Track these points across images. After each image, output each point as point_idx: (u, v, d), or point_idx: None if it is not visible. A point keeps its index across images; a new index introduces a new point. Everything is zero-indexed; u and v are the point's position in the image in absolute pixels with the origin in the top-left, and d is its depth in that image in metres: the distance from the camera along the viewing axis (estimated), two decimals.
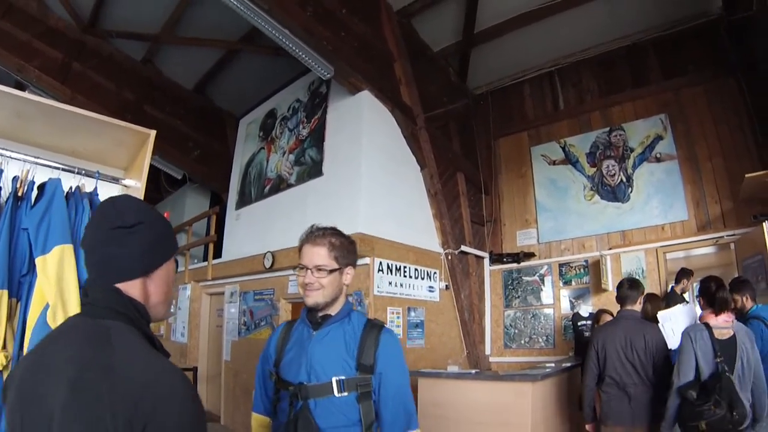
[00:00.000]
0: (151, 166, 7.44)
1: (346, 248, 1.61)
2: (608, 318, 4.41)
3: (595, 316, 4.71)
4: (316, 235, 1.60)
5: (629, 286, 3.35)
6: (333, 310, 1.58)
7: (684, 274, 4.95)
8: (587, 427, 3.32)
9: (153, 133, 2.34)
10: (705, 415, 2.59)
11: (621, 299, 3.36)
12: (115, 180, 2.34)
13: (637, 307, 3.34)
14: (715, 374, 2.63)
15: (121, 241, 0.94)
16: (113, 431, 0.75)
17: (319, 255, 1.56)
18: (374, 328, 1.57)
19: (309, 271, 1.54)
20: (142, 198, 2.21)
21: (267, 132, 6.36)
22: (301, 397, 1.46)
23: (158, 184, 8.78)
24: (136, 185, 2.34)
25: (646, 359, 3.07)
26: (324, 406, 1.45)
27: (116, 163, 2.46)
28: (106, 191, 2.21)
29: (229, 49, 6.47)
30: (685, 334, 2.80)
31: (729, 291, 2.85)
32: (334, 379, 1.46)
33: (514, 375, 3.74)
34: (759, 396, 2.61)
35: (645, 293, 3.60)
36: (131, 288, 0.95)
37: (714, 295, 2.77)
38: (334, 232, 1.63)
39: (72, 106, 1.99)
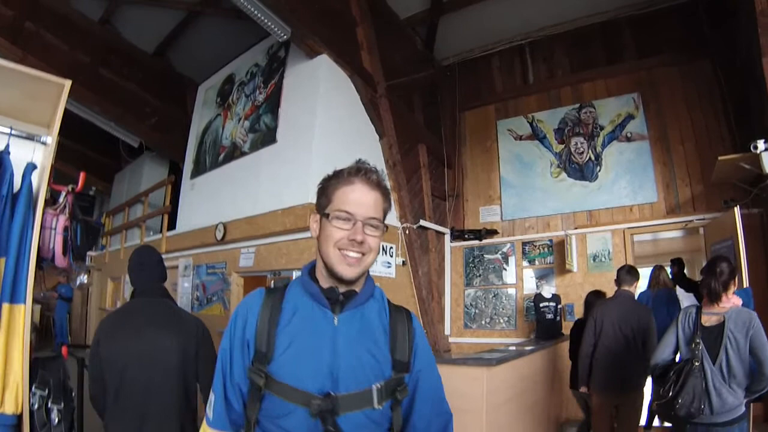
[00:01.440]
0: (109, 135, 7.05)
1: (390, 200, 1.21)
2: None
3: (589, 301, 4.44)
4: (371, 171, 1.15)
5: (627, 271, 3.77)
6: (359, 285, 1.15)
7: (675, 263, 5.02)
8: (581, 389, 3.72)
9: (68, 83, 2.12)
10: (655, 395, 2.62)
11: (619, 281, 3.76)
12: (31, 137, 2.11)
13: (633, 289, 3.74)
14: (685, 360, 2.53)
15: (160, 264, 2.32)
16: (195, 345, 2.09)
17: (376, 203, 1.14)
18: (401, 312, 1.22)
19: (359, 224, 1.09)
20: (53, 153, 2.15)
21: (224, 98, 6.06)
22: (328, 414, 1.02)
23: (117, 153, 8.39)
24: (50, 141, 2.12)
25: (636, 334, 3.46)
26: (355, 422, 1.05)
27: (36, 119, 2.22)
28: (21, 149, 2.06)
29: (190, 10, 6.11)
30: (679, 313, 2.74)
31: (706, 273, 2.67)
32: (374, 387, 1.07)
33: (467, 359, 3.64)
34: (765, 378, 2.41)
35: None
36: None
37: (707, 282, 2.61)
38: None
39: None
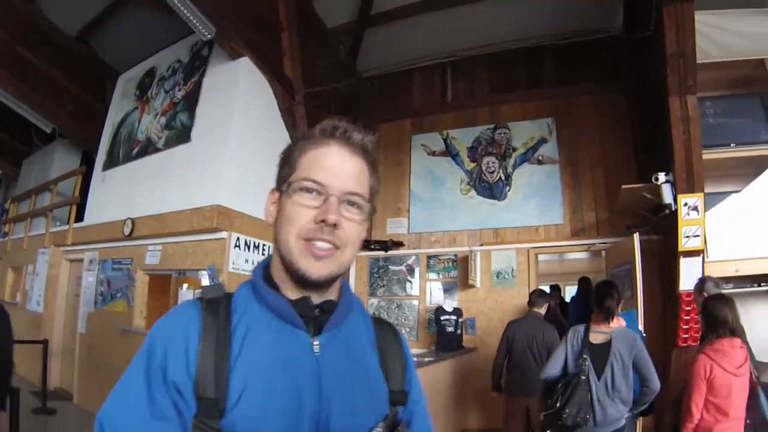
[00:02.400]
0: (20, 117, 6.67)
1: (378, 175, 0.87)
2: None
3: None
4: (353, 130, 0.82)
5: (539, 295, 4.39)
6: (333, 293, 0.83)
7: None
8: (493, 394, 4.29)
9: None
10: (543, 406, 2.80)
11: (531, 303, 4.34)
12: None
13: (542, 310, 4.29)
14: (572, 374, 2.73)
15: None
16: None
17: (360, 173, 0.81)
18: (387, 328, 0.93)
19: (332, 199, 0.76)
20: None
21: (144, 91, 5.91)
22: None
23: (28, 137, 7.90)
24: None
25: (542, 349, 3.96)
26: None
27: None
28: None
29: None
30: (568, 331, 2.95)
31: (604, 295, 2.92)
32: None
33: None
34: (651, 393, 2.74)
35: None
36: None
37: (602, 302, 2.85)
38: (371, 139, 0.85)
39: None
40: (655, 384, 2.72)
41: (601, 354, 2.73)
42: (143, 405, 0.67)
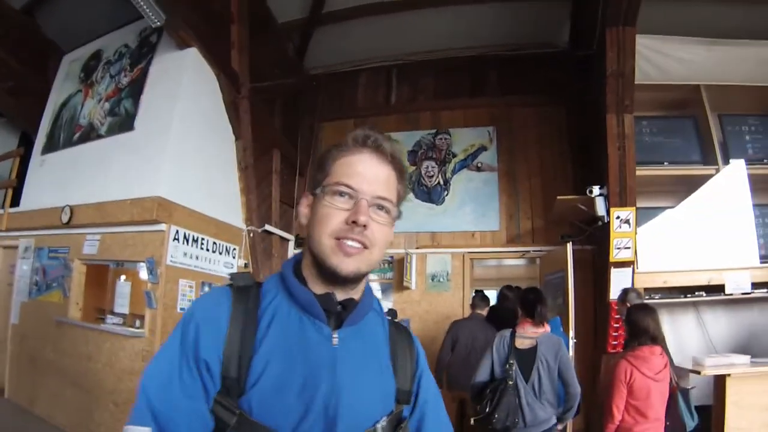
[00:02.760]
0: None
1: (405, 183, 0.95)
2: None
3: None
4: (384, 140, 0.91)
5: (481, 298, 4.75)
6: (357, 293, 0.91)
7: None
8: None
9: None
10: (473, 411, 2.89)
11: (473, 305, 4.74)
12: None
13: (484, 312, 4.64)
14: (500, 380, 2.84)
15: None
16: None
17: (389, 180, 0.90)
18: (401, 330, 1.01)
19: (363, 202, 0.84)
20: None
21: (88, 74, 5.71)
22: None
23: None
24: None
25: (483, 348, 3.82)
26: None
27: None
28: None
29: None
30: (495, 337, 3.05)
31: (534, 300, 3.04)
32: (379, 426, 0.85)
33: None
34: (573, 397, 2.87)
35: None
36: None
37: (533, 307, 2.96)
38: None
39: None
40: (576, 388, 2.89)
41: (527, 359, 2.86)
42: (176, 380, 0.76)
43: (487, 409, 2.80)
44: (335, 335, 0.84)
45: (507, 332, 3.00)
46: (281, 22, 6.16)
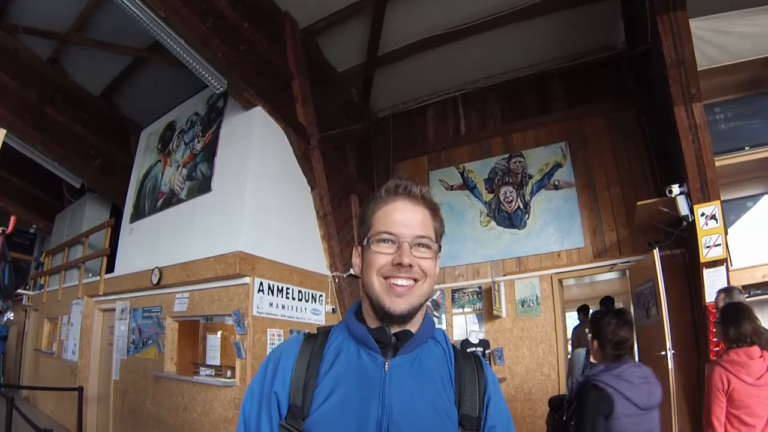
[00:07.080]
0: (53, 174, 7.02)
1: (440, 219, 1.05)
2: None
3: None
4: (414, 185, 1.01)
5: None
6: (414, 325, 0.99)
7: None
8: None
9: (2, 132, 2.22)
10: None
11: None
12: None
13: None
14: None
15: None
16: None
17: (424, 220, 0.99)
18: (469, 358, 1.05)
19: (405, 245, 0.94)
20: None
21: (165, 144, 6.20)
22: None
23: (60, 192, 8.31)
24: None
25: None
26: None
27: None
28: None
29: (136, 56, 6.25)
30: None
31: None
32: None
33: None
34: None
35: None
36: None
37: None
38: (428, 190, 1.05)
39: None
40: None
41: None
42: (256, 405, 0.96)
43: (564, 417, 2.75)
44: (387, 364, 0.94)
45: (583, 350, 3.01)
46: (341, 70, 6.38)
